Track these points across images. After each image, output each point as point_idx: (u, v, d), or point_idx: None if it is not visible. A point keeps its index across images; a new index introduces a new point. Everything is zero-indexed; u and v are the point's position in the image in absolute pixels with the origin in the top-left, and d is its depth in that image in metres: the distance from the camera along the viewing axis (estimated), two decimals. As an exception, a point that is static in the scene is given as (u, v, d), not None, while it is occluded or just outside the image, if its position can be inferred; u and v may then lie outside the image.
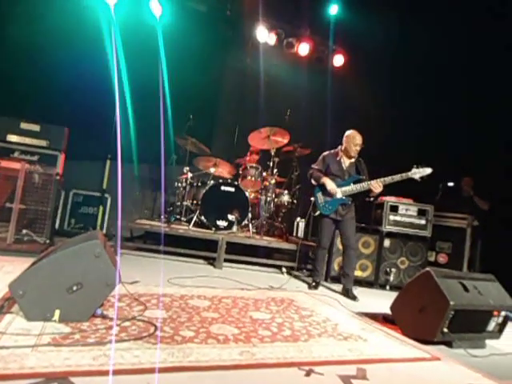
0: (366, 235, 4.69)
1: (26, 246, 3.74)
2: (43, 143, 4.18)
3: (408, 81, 6.04)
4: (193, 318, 2.49)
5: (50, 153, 4.17)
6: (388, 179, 3.76)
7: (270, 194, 5.33)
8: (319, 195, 4.03)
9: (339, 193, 3.93)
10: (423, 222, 4.70)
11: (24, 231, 3.80)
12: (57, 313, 2.09)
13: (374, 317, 3.18)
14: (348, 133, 4.02)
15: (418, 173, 3.67)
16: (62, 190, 4.63)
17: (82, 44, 5.07)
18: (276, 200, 5.46)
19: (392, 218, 4.70)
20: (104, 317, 2.26)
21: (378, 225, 4.74)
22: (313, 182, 4.08)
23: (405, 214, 4.72)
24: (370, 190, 3.83)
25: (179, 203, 5.27)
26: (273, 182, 5.35)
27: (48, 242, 3.86)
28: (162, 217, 4.45)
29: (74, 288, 2.13)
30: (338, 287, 4.14)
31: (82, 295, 2.14)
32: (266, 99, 6.39)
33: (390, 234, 4.69)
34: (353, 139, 3.96)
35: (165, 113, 5.91)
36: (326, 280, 4.53)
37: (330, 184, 3.93)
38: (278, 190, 5.52)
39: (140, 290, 2.99)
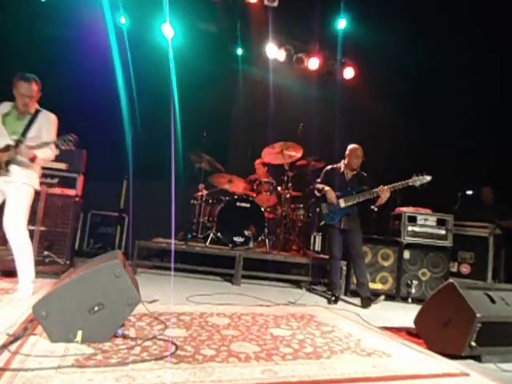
0: (385, 247, 4.61)
1: (48, 267, 3.81)
2: (62, 166, 4.29)
3: (419, 92, 6.05)
4: (213, 337, 2.47)
5: (70, 175, 4.27)
6: (390, 187, 3.90)
7: (285, 209, 5.32)
8: (323, 205, 4.19)
9: (342, 202, 4.08)
10: (443, 231, 4.61)
11: (45, 253, 3.87)
12: (79, 334, 2.11)
13: (398, 331, 3.10)
14: (350, 146, 4.26)
15: (418, 180, 3.85)
16: (81, 211, 4.72)
17: (96, 67, 5.24)
18: (291, 214, 5.44)
19: (410, 228, 4.63)
20: (125, 337, 2.26)
21: (396, 236, 4.67)
22: (316, 193, 4.26)
23: (424, 224, 4.63)
24: (375, 199, 3.98)
25: (195, 220, 5.30)
26: (288, 196, 5.34)
27: (68, 262, 3.93)
28: (173, 234, 4.48)
29: (96, 308, 2.15)
30: (358, 301, 4.06)
31: (103, 315, 2.16)
32: (277, 114, 6.44)
33: (409, 246, 4.61)
34: (354, 152, 4.19)
35: (178, 131, 6.02)
36: (345, 294, 4.45)
37: (329, 193, 4.10)
38: (293, 205, 5.51)
39: (159, 308, 2.99)
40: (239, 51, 6.84)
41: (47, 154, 3.09)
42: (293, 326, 2.90)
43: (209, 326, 2.68)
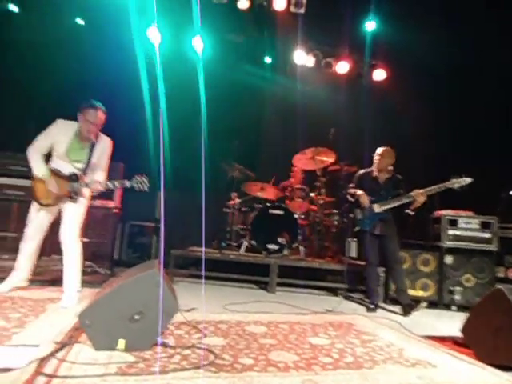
0: (424, 252, 4.45)
1: (90, 277, 3.95)
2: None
3: (453, 91, 5.85)
4: (251, 345, 2.46)
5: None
6: (426, 191, 3.80)
7: (318, 215, 5.26)
8: (357, 211, 4.11)
9: (376, 207, 4.00)
10: (487, 235, 4.38)
11: (87, 263, 4.02)
12: (121, 342, 2.16)
13: (442, 340, 2.96)
14: (380, 150, 4.15)
15: (457, 183, 3.74)
16: (120, 222, 4.88)
17: (128, 81, 5.43)
18: (325, 220, 5.37)
19: (451, 232, 4.43)
20: (165, 345, 2.30)
21: (436, 241, 4.49)
22: (349, 198, 4.20)
23: (466, 227, 4.43)
24: (410, 203, 3.88)
25: (229, 228, 5.34)
26: (321, 202, 5.28)
27: (109, 272, 4.05)
28: (203, 243, 4.53)
29: (136, 317, 2.20)
30: (399, 309, 3.92)
31: (143, 324, 2.20)
32: (308, 120, 6.39)
33: (451, 250, 4.41)
34: (385, 154, 4.10)
35: (209, 141, 6.11)
36: (384, 302, 4.32)
37: (362, 198, 4.01)
38: (326, 210, 5.43)
39: (197, 317, 3.02)
40: (267, 60, 6.87)
41: (103, 178, 3.31)
42: (331, 335, 2.84)
43: (246, 335, 2.68)
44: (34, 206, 3.28)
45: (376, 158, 4.17)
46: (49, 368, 1.88)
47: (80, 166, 3.25)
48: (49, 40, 5.43)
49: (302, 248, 5.03)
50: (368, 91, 6.81)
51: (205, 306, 3.45)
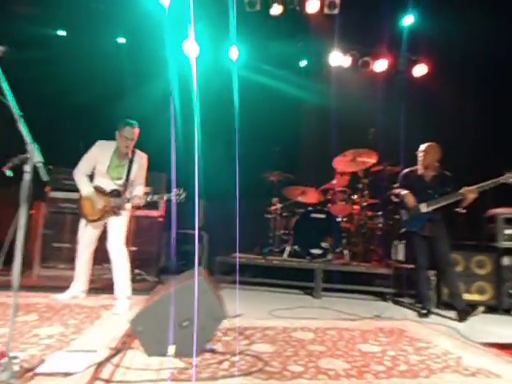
0: (479, 254, 4.19)
1: (139, 284, 4.09)
2: (146, 189, 4.61)
3: (497, 84, 5.51)
4: (299, 352, 2.42)
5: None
6: (478, 187, 3.61)
7: (362, 217, 5.12)
8: (403, 212, 3.95)
9: (423, 207, 3.81)
10: (549, 233, 4.06)
11: (136, 271, 4.17)
12: (172, 348, 2.20)
13: (505, 347, 2.76)
14: (424, 146, 3.98)
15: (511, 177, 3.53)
16: (165, 230, 5.02)
17: (165, 93, 5.59)
18: (370, 223, 5.22)
19: (509, 232, 4.15)
20: (214, 351, 2.32)
21: (491, 241, 4.22)
22: (394, 199, 4.07)
23: (525, 226, 4.13)
24: (460, 201, 3.69)
25: (271, 234, 5.33)
26: (364, 204, 5.14)
27: (156, 279, 4.17)
28: (238, 250, 4.53)
29: (185, 324, 2.24)
30: (454, 314, 3.71)
31: (192, 330, 2.24)
32: (347, 122, 6.27)
33: (508, 251, 4.13)
34: (430, 151, 3.92)
35: (249, 148, 6.15)
36: (437, 307, 4.11)
37: (407, 197, 3.85)
38: (370, 213, 5.28)
39: (244, 323, 3.03)
40: (302, 63, 6.84)
41: (142, 193, 3.52)
42: (382, 342, 2.74)
43: (294, 341, 2.64)
44: (82, 223, 3.52)
45: (420, 154, 3.99)
46: (105, 373, 1.96)
47: (120, 182, 3.46)
48: (94, 60, 5.74)
49: (346, 252, 4.92)
50: (408, 88, 6.58)
51: (251, 312, 3.45)
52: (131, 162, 3.49)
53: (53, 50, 5.76)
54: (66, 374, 1.89)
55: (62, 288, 3.66)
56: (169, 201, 3.47)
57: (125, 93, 5.76)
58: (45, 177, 1.88)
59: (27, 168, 1.80)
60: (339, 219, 4.98)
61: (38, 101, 4.88)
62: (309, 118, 6.90)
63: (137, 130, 3.47)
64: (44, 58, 5.59)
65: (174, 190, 3.37)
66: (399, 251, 5.07)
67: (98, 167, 3.46)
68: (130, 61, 6.10)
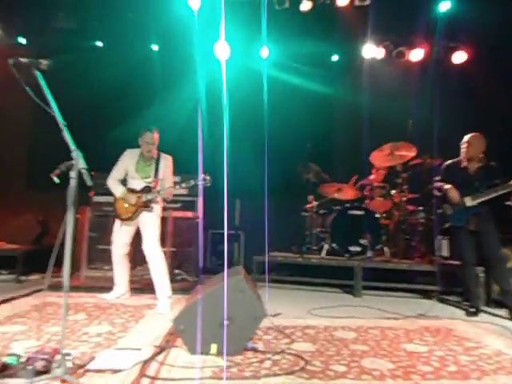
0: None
1: (179, 284, 4.18)
2: (183, 191, 4.71)
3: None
4: (341, 351, 2.38)
5: (190, 199, 4.67)
6: None
7: (402, 213, 4.96)
8: (446, 206, 3.79)
9: (468, 201, 3.64)
10: None
11: (176, 271, 4.27)
12: (214, 347, 2.24)
13: None
14: (467, 137, 3.80)
15: None
16: (202, 230, 5.11)
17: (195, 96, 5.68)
18: (410, 218, 5.04)
19: None
20: (255, 350, 2.33)
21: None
22: (436, 193, 3.91)
23: None
24: (509, 194, 3.52)
25: (308, 232, 5.28)
26: (404, 199, 4.97)
27: (196, 279, 4.25)
28: (267, 249, 4.50)
29: (226, 322, 2.26)
30: (505, 312, 3.51)
31: (233, 329, 2.26)
32: (382, 115, 6.10)
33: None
34: (474, 141, 3.74)
35: (282, 146, 6.13)
36: (487, 305, 3.90)
37: (451, 191, 3.69)
38: (411, 208, 5.10)
39: (283, 322, 3.02)
40: (335, 57, 6.73)
41: (172, 191, 3.69)
42: (428, 341, 2.64)
43: (335, 340, 2.61)
44: (117, 224, 3.69)
45: (463, 146, 3.82)
46: (151, 370, 2.02)
47: (150, 180, 3.66)
48: (131, 68, 5.93)
49: (386, 249, 4.78)
50: (447, 76, 6.30)
51: (290, 310, 3.44)
52: (157, 162, 3.69)
53: (92, 61, 6.01)
54: (115, 371, 1.96)
55: (107, 288, 3.82)
56: (208, 199, 3.58)
57: (159, 98, 5.91)
58: (89, 182, 1.96)
59: (73, 174, 1.89)
60: (378, 215, 4.85)
61: (79, 110, 5.12)
62: (342, 114, 6.77)
63: (156, 135, 3.65)
64: (83, 68, 5.86)
65: (201, 176, 3.56)
66: (443, 247, 4.86)
67: (128, 172, 3.69)
68: (164, 66, 6.25)
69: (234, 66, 6.14)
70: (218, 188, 3.98)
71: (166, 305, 3.33)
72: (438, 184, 3.85)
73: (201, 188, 3.64)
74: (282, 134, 6.11)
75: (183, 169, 4.28)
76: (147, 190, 3.58)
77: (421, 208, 5.07)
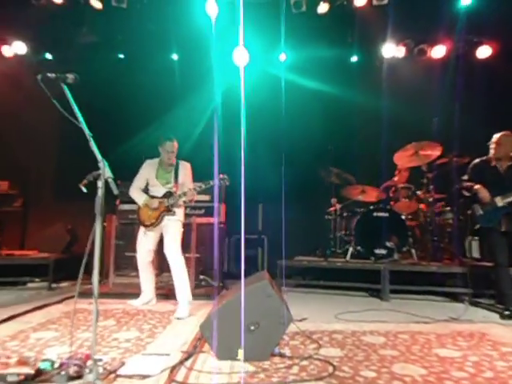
0: None
1: (204, 290, 4.21)
2: (207, 198, 4.77)
3: None
4: (370, 357, 2.33)
5: (213, 205, 4.70)
6: None
7: (429, 214, 4.83)
8: (476, 206, 3.68)
9: (499, 201, 3.54)
10: None
11: (201, 277, 4.30)
12: (240, 352, 2.23)
13: None
14: (497, 136, 3.70)
15: None
16: (226, 236, 5.13)
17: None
18: (438, 219, 4.91)
19: None
20: (282, 355, 2.31)
21: None
22: (465, 193, 3.80)
23: None
24: None
25: (332, 236, 5.22)
26: (430, 199, 4.85)
27: (221, 285, 4.27)
28: (284, 253, 4.47)
29: (252, 328, 2.26)
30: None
31: (259, 334, 2.25)
32: (405, 114, 5.99)
33: None
34: (503, 142, 3.65)
35: (303, 150, 6.11)
36: (523, 307, 3.73)
37: (481, 191, 3.59)
38: (438, 209, 4.97)
39: (310, 327, 2.99)
40: (354, 59, 6.67)
41: (193, 195, 3.72)
42: (462, 346, 2.55)
43: (364, 345, 2.55)
44: (141, 231, 3.77)
45: (492, 146, 3.72)
46: (180, 376, 2.03)
47: (170, 185, 3.75)
48: (153, 78, 6.06)
49: (413, 251, 4.67)
50: (471, 72, 6.13)
51: (316, 315, 3.40)
52: (176, 168, 3.78)
53: (113, 73, 6.18)
54: (144, 377, 1.99)
55: (134, 294, 3.89)
56: (212, 187, 3.71)
57: (178, 107, 6.00)
58: (115, 191, 2.01)
59: (100, 184, 1.94)
60: (403, 217, 4.74)
61: (102, 120, 5.26)
62: (363, 115, 6.68)
63: (176, 143, 3.76)
64: (106, 80, 6.02)
65: (219, 176, 3.63)
66: (473, 248, 4.71)
67: (149, 181, 3.79)
68: (183, 75, 6.36)
69: (252, 71, 6.18)
70: (240, 193, 4.00)
71: (184, 310, 3.35)
72: (467, 184, 3.74)
73: (217, 188, 3.72)
74: (303, 138, 6.10)
75: (202, 176, 4.32)
76: (168, 194, 3.66)
77: (448, 208, 4.94)
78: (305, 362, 2.23)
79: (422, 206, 4.98)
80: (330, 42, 6.57)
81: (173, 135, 3.78)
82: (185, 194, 3.62)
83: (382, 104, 6.34)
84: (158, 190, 3.71)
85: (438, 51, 6.33)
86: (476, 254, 4.73)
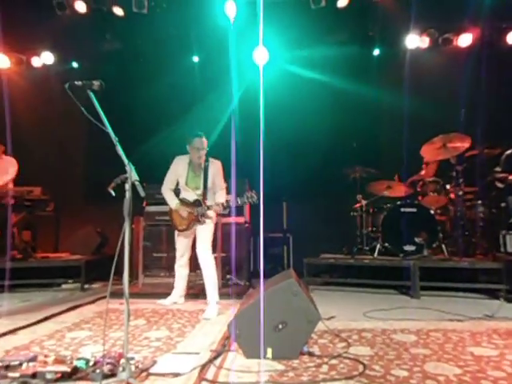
0: None
1: (231, 289, 4.24)
2: (227, 197, 4.77)
3: None
4: (402, 355, 2.28)
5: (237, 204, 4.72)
6: None
7: (459, 208, 4.68)
8: (511, 199, 3.60)
9: None
10: None
11: (228, 276, 4.33)
12: (269, 351, 2.24)
13: None
14: None
15: None
16: (251, 235, 5.15)
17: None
18: (469, 213, 4.75)
19: None
20: (311, 354, 2.30)
21: None
22: (498, 185, 3.59)
23: None
24: None
25: (358, 232, 5.15)
26: (460, 193, 4.69)
27: (248, 284, 4.29)
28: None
29: (280, 326, 2.26)
30: None
31: (287, 333, 2.25)
32: (430, 106, 5.82)
33: None
34: None
35: (326, 147, 6.05)
36: None
37: None
38: (468, 202, 4.81)
39: (338, 325, 2.96)
40: (376, 52, 6.54)
41: (224, 197, 3.71)
42: (498, 345, 2.46)
43: (394, 344, 2.50)
44: (176, 233, 3.81)
45: None
46: (209, 374, 2.05)
47: (199, 191, 3.71)
48: (176, 81, 6.15)
49: (444, 247, 4.53)
50: (499, 59, 5.89)
51: (344, 313, 3.37)
52: (206, 171, 3.72)
53: (136, 77, 6.31)
54: (175, 375, 2.02)
55: (163, 294, 3.97)
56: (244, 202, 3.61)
57: (199, 108, 6.06)
58: (142, 193, 2.05)
59: (127, 186, 1.98)
60: (432, 212, 4.62)
61: (127, 124, 5.38)
62: (387, 109, 6.54)
63: (205, 140, 3.69)
64: (129, 85, 6.16)
65: (247, 193, 3.54)
66: (508, 242, 4.52)
67: (179, 181, 3.77)
68: (204, 76, 6.42)
69: (272, 69, 6.18)
70: (266, 192, 4.01)
71: (212, 310, 3.37)
72: (501, 175, 3.60)
73: (249, 203, 3.65)
74: (327, 135, 6.04)
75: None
76: (198, 203, 3.64)
77: (480, 202, 4.77)
78: (334, 361, 2.21)
79: (451, 199, 4.83)
80: (350, 36, 6.48)
81: (201, 132, 3.72)
82: (213, 206, 3.59)
83: (405, 97, 6.19)
84: (189, 195, 3.72)
85: (465, 39, 6.13)
86: (511, 248, 4.55)
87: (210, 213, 3.64)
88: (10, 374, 1.90)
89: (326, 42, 6.41)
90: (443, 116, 5.37)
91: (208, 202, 3.65)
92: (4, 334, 2.78)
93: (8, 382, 1.86)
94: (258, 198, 3.57)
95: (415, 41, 6.17)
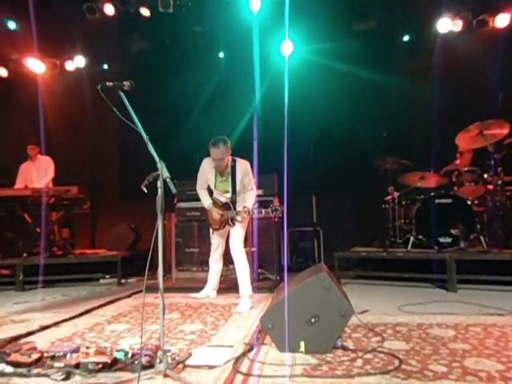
0: None
1: (262, 283, 4.27)
2: (259, 192, 4.80)
3: None
4: (439, 350, 2.22)
5: (266, 199, 4.73)
6: None
7: (499, 198, 4.47)
8: None
9: None
10: None
11: (259, 270, 4.36)
12: (302, 344, 2.24)
13: None
14: None
15: None
16: (281, 229, 5.14)
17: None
18: (509, 203, 4.53)
19: None
20: (344, 348, 2.28)
21: None
22: None
23: None
24: None
25: (391, 225, 5.03)
26: (499, 182, 4.48)
27: (278, 278, 4.30)
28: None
29: (313, 320, 2.25)
30: None
31: (320, 327, 2.24)
32: (466, 92, 5.58)
33: None
34: None
35: (356, 139, 5.94)
36: None
37: None
38: (508, 192, 4.59)
39: (372, 319, 2.92)
40: (405, 38, 6.33)
41: (253, 198, 3.68)
42: (544, 340, 2.35)
43: (431, 339, 2.44)
44: (211, 230, 3.86)
45: None
46: (243, 367, 2.08)
47: (228, 195, 3.70)
48: (199, 79, 6.20)
49: (482, 238, 4.35)
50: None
51: (378, 307, 3.31)
52: (233, 174, 3.66)
53: (163, 76, 6.42)
54: (210, 367, 2.07)
55: (196, 288, 4.05)
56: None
57: (225, 104, 6.08)
58: (174, 190, 2.09)
59: (159, 184, 2.03)
60: (469, 202, 4.44)
61: (156, 122, 5.49)
62: (418, 97, 6.31)
63: (222, 148, 3.47)
64: (158, 85, 6.28)
65: (271, 206, 3.59)
66: (553, 233, 4.30)
67: (209, 184, 3.79)
68: (229, 71, 6.44)
69: (297, 60, 6.11)
70: (295, 186, 4.00)
71: (245, 304, 3.40)
72: None
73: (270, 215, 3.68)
74: (356, 126, 5.93)
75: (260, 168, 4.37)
76: (228, 207, 3.66)
77: (521, 191, 4.54)
78: (369, 355, 2.18)
79: (489, 189, 4.62)
80: (378, 23, 6.30)
81: (220, 138, 3.50)
82: (244, 211, 3.53)
83: (437, 84, 5.96)
84: (220, 197, 3.75)
85: (502, 20, 5.81)
86: (556, 239, 4.31)
87: (239, 217, 3.65)
88: (56, 364, 2.00)
89: (354, 30, 6.28)
90: (478, 103, 5.16)
91: (238, 207, 3.65)
92: (48, 327, 2.93)
93: (53, 372, 1.96)
94: (282, 211, 3.58)
95: (447, 25, 5.92)
